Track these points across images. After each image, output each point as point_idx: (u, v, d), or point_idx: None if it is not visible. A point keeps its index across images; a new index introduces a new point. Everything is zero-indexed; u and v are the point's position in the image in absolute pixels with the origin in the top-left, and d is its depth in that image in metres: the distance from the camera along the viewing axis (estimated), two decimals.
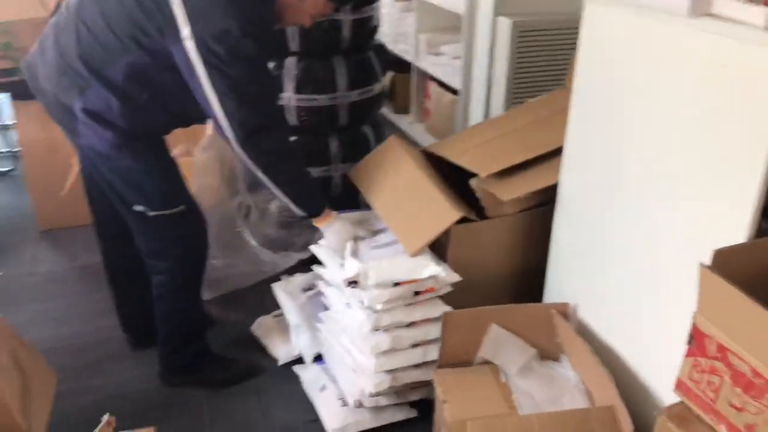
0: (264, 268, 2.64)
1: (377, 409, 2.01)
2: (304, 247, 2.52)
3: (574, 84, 1.78)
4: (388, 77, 3.82)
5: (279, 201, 2.12)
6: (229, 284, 2.63)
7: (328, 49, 2.65)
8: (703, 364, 1.21)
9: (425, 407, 2.01)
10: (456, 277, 1.91)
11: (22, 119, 3.16)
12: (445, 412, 1.70)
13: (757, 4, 1.25)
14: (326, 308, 2.15)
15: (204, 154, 2.49)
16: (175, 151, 2.72)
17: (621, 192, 1.65)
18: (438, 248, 1.98)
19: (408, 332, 1.93)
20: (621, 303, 1.70)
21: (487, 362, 1.88)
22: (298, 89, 2.64)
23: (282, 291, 2.37)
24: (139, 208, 1.94)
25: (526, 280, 2.13)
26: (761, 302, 1.06)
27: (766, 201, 1.28)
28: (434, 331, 1.91)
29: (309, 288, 2.37)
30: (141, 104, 1.83)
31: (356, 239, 2.03)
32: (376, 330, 1.90)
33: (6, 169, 3.91)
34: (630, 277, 1.65)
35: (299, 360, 2.29)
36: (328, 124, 2.73)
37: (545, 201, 2.01)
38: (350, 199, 2.49)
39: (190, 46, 1.69)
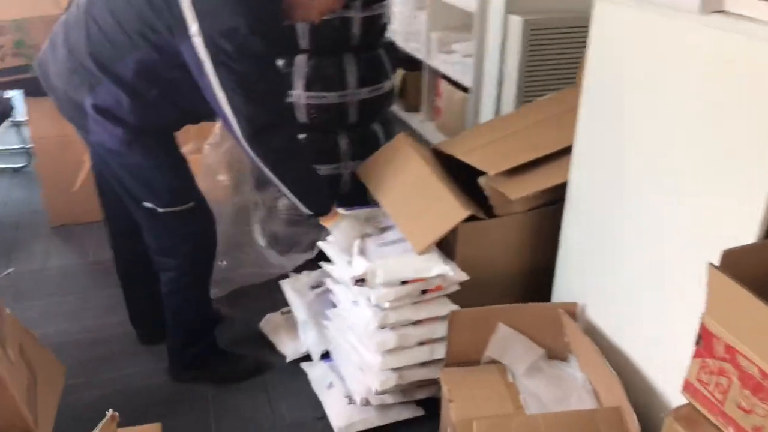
0: (271, 269, 2.64)
1: (384, 407, 2.01)
2: (312, 245, 2.52)
3: (583, 82, 1.76)
4: (398, 75, 3.81)
5: (286, 199, 2.11)
6: (237, 282, 2.64)
7: (338, 47, 2.65)
8: (711, 366, 1.20)
9: (432, 406, 2.00)
10: (464, 276, 1.91)
11: (34, 116, 3.17)
12: (451, 411, 1.69)
13: None
14: (334, 305, 2.15)
15: (213, 152, 2.50)
16: (186, 149, 2.73)
17: (631, 191, 1.63)
18: (446, 246, 1.98)
19: (415, 330, 1.92)
20: (630, 303, 1.69)
21: (494, 362, 1.87)
22: (308, 87, 2.63)
23: (290, 288, 2.37)
24: (148, 204, 1.94)
25: (535, 279, 2.12)
26: None
27: None
28: (441, 329, 1.91)
29: (317, 285, 2.37)
30: (150, 101, 1.84)
31: (363, 236, 2.03)
32: (383, 328, 1.89)
33: (19, 165, 3.94)
34: (639, 277, 1.64)
35: (307, 357, 2.29)
36: (338, 121, 2.73)
37: (554, 199, 2.00)
38: (359, 197, 2.48)
39: (198, 43, 1.69)
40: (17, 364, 1.59)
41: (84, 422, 1.37)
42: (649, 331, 1.63)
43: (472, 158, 2.08)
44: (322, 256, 2.14)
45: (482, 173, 2.02)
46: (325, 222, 2.02)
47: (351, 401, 2.03)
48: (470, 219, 1.92)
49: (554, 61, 2.81)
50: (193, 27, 1.68)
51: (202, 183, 2.40)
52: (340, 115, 2.70)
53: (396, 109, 4.19)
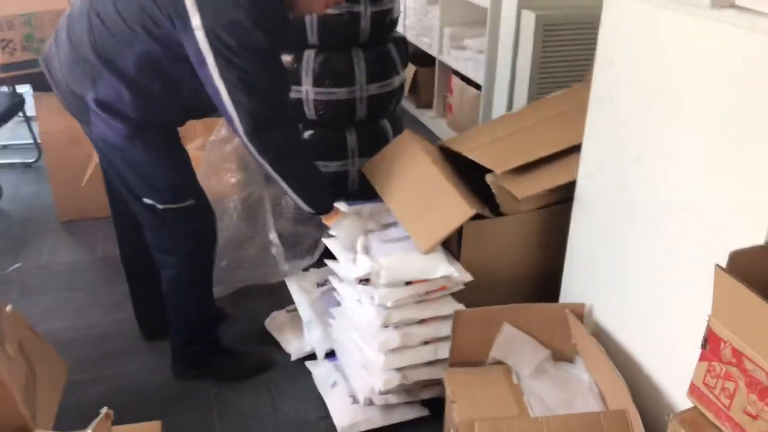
0: (275, 273, 2.61)
1: (388, 407, 1.99)
2: (315, 244, 2.50)
3: (593, 79, 1.73)
4: (408, 71, 3.79)
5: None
6: (242, 281, 2.62)
7: (346, 42, 2.62)
8: (717, 369, 1.17)
9: (437, 406, 1.98)
10: (469, 277, 1.88)
11: (43, 111, 3.17)
12: (454, 413, 1.67)
13: None
14: (339, 304, 2.13)
15: (215, 148, 2.48)
16: (192, 145, 2.72)
17: (639, 190, 1.60)
18: (451, 245, 1.95)
19: (418, 329, 1.90)
20: (637, 304, 1.66)
21: (499, 362, 1.84)
22: (316, 82, 2.61)
23: (296, 285, 2.36)
24: (148, 201, 1.93)
25: (541, 279, 2.08)
26: None
27: None
28: (445, 328, 1.88)
29: (323, 283, 2.35)
30: (152, 96, 1.82)
31: (367, 233, 2.00)
32: (386, 326, 1.87)
33: (30, 160, 3.95)
34: (647, 279, 1.61)
35: (312, 356, 2.27)
36: (346, 117, 2.70)
37: (562, 199, 1.97)
38: (367, 194, 2.46)
39: (200, 36, 1.67)
40: (16, 360, 1.58)
41: (89, 419, 1.35)
42: (657, 333, 1.60)
43: (479, 156, 2.05)
44: (328, 254, 2.12)
45: (490, 171, 1.99)
46: (327, 220, 2.00)
47: (355, 401, 2.01)
48: (476, 218, 1.89)
49: (568, 57, 2.78)
50: (195, 19, 1.66)
51: (209, 179, 2.39)
52: (348, 111, 2.68)
53: (408, 105, 4.17)
